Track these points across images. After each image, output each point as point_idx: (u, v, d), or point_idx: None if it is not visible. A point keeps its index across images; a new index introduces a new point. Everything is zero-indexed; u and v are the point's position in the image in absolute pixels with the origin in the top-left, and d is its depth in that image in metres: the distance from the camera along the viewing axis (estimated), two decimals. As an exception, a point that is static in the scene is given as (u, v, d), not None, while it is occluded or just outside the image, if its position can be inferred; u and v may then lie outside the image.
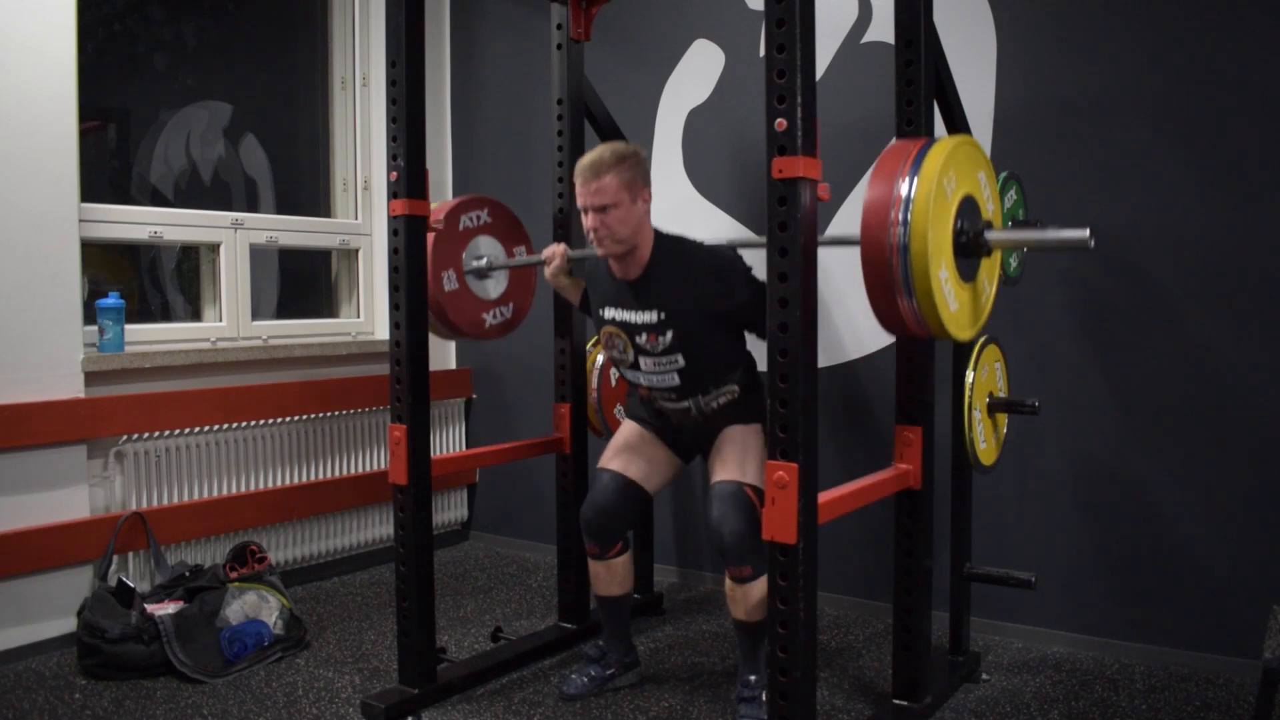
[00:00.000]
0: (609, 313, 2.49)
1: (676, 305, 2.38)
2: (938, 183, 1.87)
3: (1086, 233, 1.92)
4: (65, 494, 2.94)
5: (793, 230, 1.83)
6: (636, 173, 2.37)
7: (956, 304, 1.97)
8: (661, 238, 2.46)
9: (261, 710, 2.53)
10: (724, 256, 2.42)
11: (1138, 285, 2.79)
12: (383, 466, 3.81)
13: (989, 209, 2.10)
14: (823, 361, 3.05)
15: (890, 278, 1.88)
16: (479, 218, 2.93)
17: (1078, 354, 2.87)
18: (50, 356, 2.91)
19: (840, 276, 3.22)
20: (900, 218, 1.85)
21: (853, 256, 3.18)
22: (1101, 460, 2.86)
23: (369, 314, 4.03)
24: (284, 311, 3.87)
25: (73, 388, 2.96)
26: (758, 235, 3.38)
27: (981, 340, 2.53)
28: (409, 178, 2.46)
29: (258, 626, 2.84)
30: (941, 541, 2.70)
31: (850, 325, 3.22)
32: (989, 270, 2.15)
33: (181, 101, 3.73)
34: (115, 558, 3.00)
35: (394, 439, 2.48)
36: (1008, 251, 2.54)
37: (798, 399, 1.85)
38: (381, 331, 4.01)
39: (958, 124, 2.56)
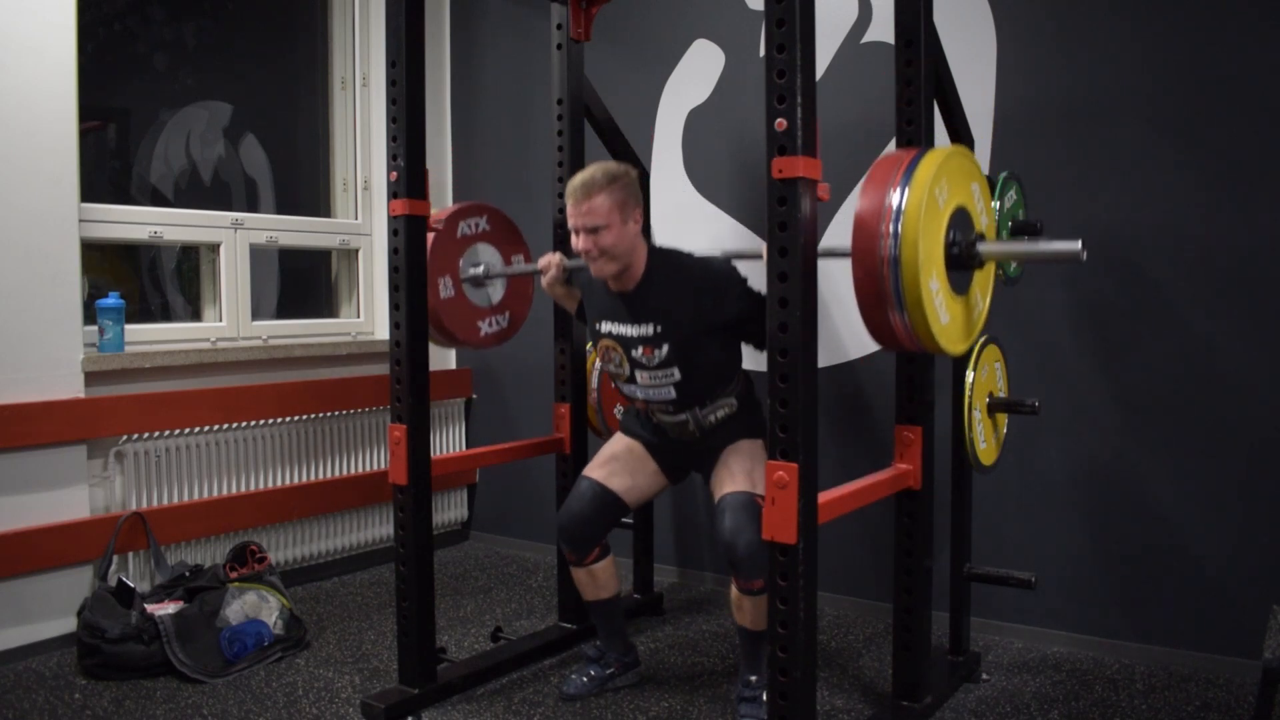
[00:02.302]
0: (605, 326, 2.49)
1: (672, 318, 2.37)
2: (929, 192, 1.86)
3: (1078, 245, 1.91)
4: (65, 494, 2.94)
5: (793, 230, 1.83)
6: (628, 193, 2.36)
7: (948, 316, 1.96)
8: (655, 251, 2.45)
9: (261, 710, 2.53)
10: (718, 268, 2.41)
11: (1138, 285, 2.79)
12: (383, 466, 3.81)
13: (982, 221, 2.09)
14: (823, 361, 3.05)
15: (881, 289, 1.87)
16: (477, 225, 2.92)
17: (1078, 354, 2.87)
18: (50, 356, 2.91)
19: (840, 276, 3.20)
20: (891, 229, 1.84)
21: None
22: (1101, 460, 2.86)
23: (369, 314, 4.03)
24: (284, 311, 3.87)
25: (73, 388, 2.96)
26: (758, 238, 3.38)
27: (981, 340, 2.53)
28: (409, 178, 2.46)
29: (258, 626, 2.84)
30: (941, 541, 2.70)
31: (850, 325, 3.22)
32: (982, 283, 2.13)
33: (181, 101, 3.73)
34: (115, 558, 3.00)
35: (394, 439, 2.48)
36: (1008, 251, 2.54)
37: (798, 399, 1.85)
38: (381, 331, 4.01)
39: (957, 124, 2.56)
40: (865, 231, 1.87)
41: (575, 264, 2.63)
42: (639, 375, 2.46)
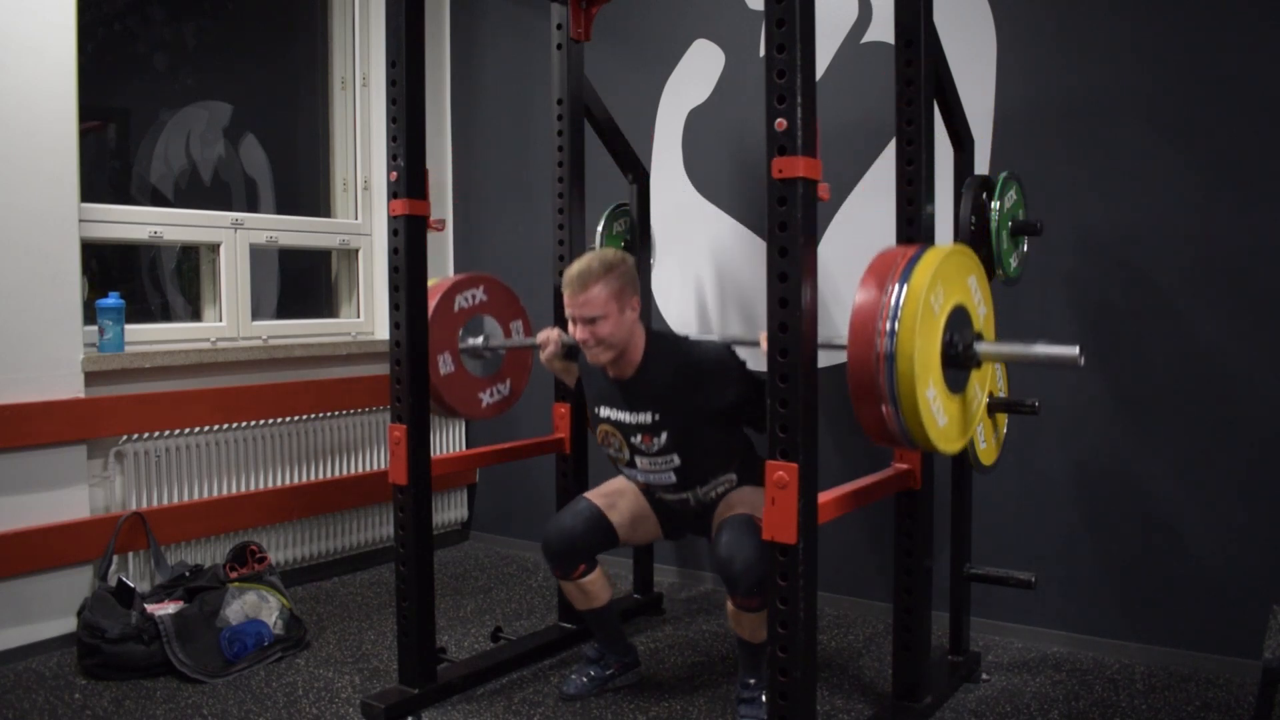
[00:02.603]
0: (604, 411, 2.48)
1: (669, 406, 2.36)
2: (925, 300, 1.85)
3: (1076, 350, 1.91)
4: (65, 494, 2.94)
5: (793, 230, 1.83)
6: (625, 281, 2.36)
7: (945, 419, 1.96)
8: (653, 338, 2.44)
9: (261, 710, 2.53)
10: (715, 354, 2.39)
11: (1138, 285, 2.79)
12: (383, 466, 3.81)
13: (980, 313, 2.08)
14: (823, 361, 3.05)
15: (877, 395, 1.86)
16: (475, 296, 2.92)
17: (1078, 354, 2.87)
18: (50, 356, 2.91)
19: (840, 277, 3.22)
20: (887, 350, 1.83)
21: (853, 257, 3.19)
22: (1101, 460, 2.86)
23: (369, 314, 4.03)
24: (284, 311, 3.87)
25: (73, 388, 2.96)
26: (758, 238, 3.38)
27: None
28: (409, 178, 2.46)
29: (258, 626, 2.84)
30: (941, 541, 2.70)
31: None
32: (980, 378, 2.12)
33: (181, 101, 3.73)
34: (115, 558, 3.00)
35: (394, 439, 2.48)
36: (1007, 253, 2.54)
37: (798, 399, 1.85)
38: (381, 331, 4.01)
39: (957, 124, 2.56)
40: (860, 337, 1.87)
41: (573, 339, 2.64)
42: (639, 460, 2.46)
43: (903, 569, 2.40)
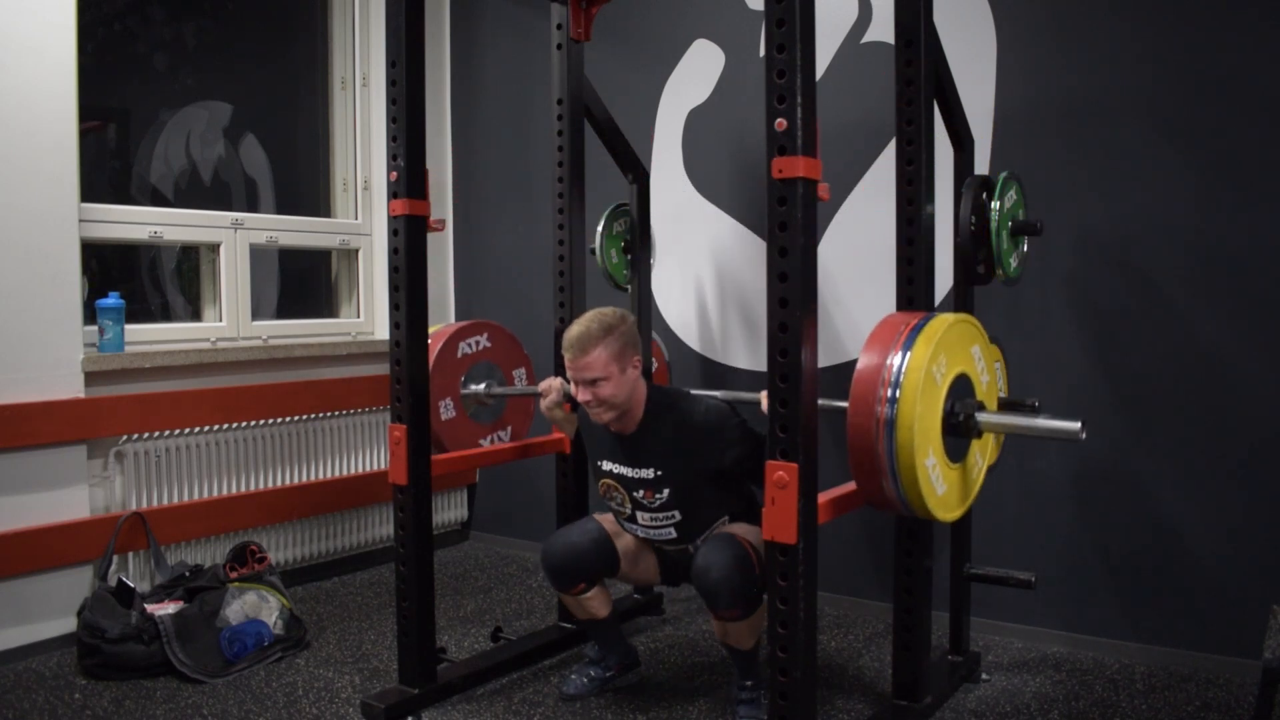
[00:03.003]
0: (606, 465, 2.49)
1: (671, 464, 2.37)
2: (926, 370, 1.86)
3: (1078, 425, 1.92)
4: (65, 494, 2.94)
5: (793, 230, 1.83)
6: (625, 341, 2.36)
7: (944, 487, 1.97)
8: (654, 394, 2.45)
9: (261, 710, 2.52)
10: (715, 414, 2.39)
11: (1138, 285, 2.79)
12: (383, 466, 3.81)
13: (983, 382, 2.09)
14: (823, 361, 3.05)
15: (876, 466, 1.88)
16: (478, 343, 2.97)
17: (1078, 354, 2.87)
18: (50, 356, 2.91)
19: (840, 277, 3.22)
20: (888, 416, 1.85)
21: (853, 257, 3.19)
22: (1101, 460, 2.86)
23: (369, 314, 4.03)
24: (284, 311, 3.87)
25: (73, 388, 2.96)
26: (758, 238, 3.38)
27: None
28: (409, 178, 2.46)
29: (258, 626, 2.84)
30: (941, 541, 2.70)
31: (850, 325, 3.22)
32: (981, 447, 2.12)
33: (181, 101, 3.73)
34: (115, 558, 3.00)
35: (394, 439, 2.48)
36: (1007, 253, 2.54)
37: (798, 399, 1.85)
38: (381, 331, 4.01)
39: (957, 124, 2.56)
40: (861, 407, 1.88)
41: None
42: (640, 516, 2.47)
43: (903, 569, 2.40)
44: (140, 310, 3.48)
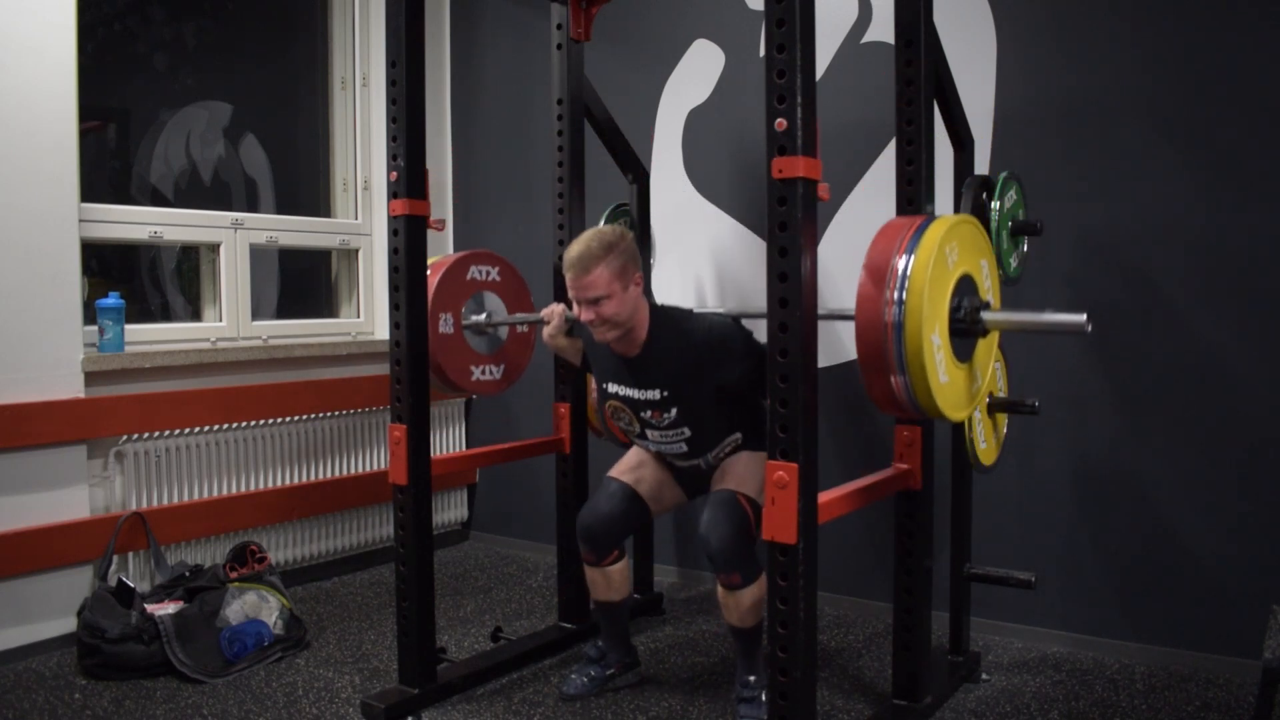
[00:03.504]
0: (612, 388, 2.51)
1: (677, 382, 2.38)
2: (939, 250, 1.87)
3: (1084, 317, 1.93)
4: (65, 494, 2.94)
5: (793, 230, 1.83)
6: (626, 258, 2.36)
7: (948, 378, 1.96)
8: (657, 314, 2.45)
9: (261, 710, 2.53)
10: (720, 331, 2.40)
11: (1138, 285, 2.79)
12: (383, 466, 3.81)
13: (986, 287, 2.09)
14: (823, 361, 3.05)
15: (884, 348, 1.87)
16: (488, 273, 2.96)
17: (1078, 354, 2.87)
18: (50, 356, 2.91)
19: (840, 276, 3.22)
20: (897, 293, 1.85)
21: (853, 257, 3.19)
22: (1101, 460, 2.86)
23: (369, 314, 4.03)
24: (284, 311, 3.87)
25: (73, 388, 2.96)
26: (758, 238, 3.38)
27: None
28: (409, 178, 2.46)
29: (258, 626, 2.84)
30: (941, 541, 2.70)
31: (850, 325, 3.22)
32: (985, 353, 2.13)
33: (181, 101, 3.73)
34: (115, 558, 3.00)
35: (394, 439, 2.48)
36: (1007, 253, 2.54)
37: (798, 399, 1.85)
38: (381, 331, 4.01)
39: (957, 124, 2.56)
40: (872, 279, 1.88)
41: (576, 316, 2.65)
42: (650, 433, 2.50)
43: (903, 569, 2.40)
44: (140, 310, 3.48)
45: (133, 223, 3.27)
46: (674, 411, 2.41)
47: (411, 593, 2.50)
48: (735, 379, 2.40)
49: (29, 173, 2.86)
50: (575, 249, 2.36)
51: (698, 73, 3.52)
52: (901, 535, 2.40)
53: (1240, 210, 2.64)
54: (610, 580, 2.60)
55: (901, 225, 1.96)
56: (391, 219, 2.48)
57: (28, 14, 2.85)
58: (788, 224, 1.84)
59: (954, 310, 1.96)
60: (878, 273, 1.89)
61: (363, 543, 3.79)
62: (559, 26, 2.95)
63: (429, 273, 2.65)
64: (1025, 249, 2.65)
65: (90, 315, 3.09)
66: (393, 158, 2.46)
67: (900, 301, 1.85)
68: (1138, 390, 2.80)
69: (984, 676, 2.69)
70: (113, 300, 3.09)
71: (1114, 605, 2.85)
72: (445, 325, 2.82)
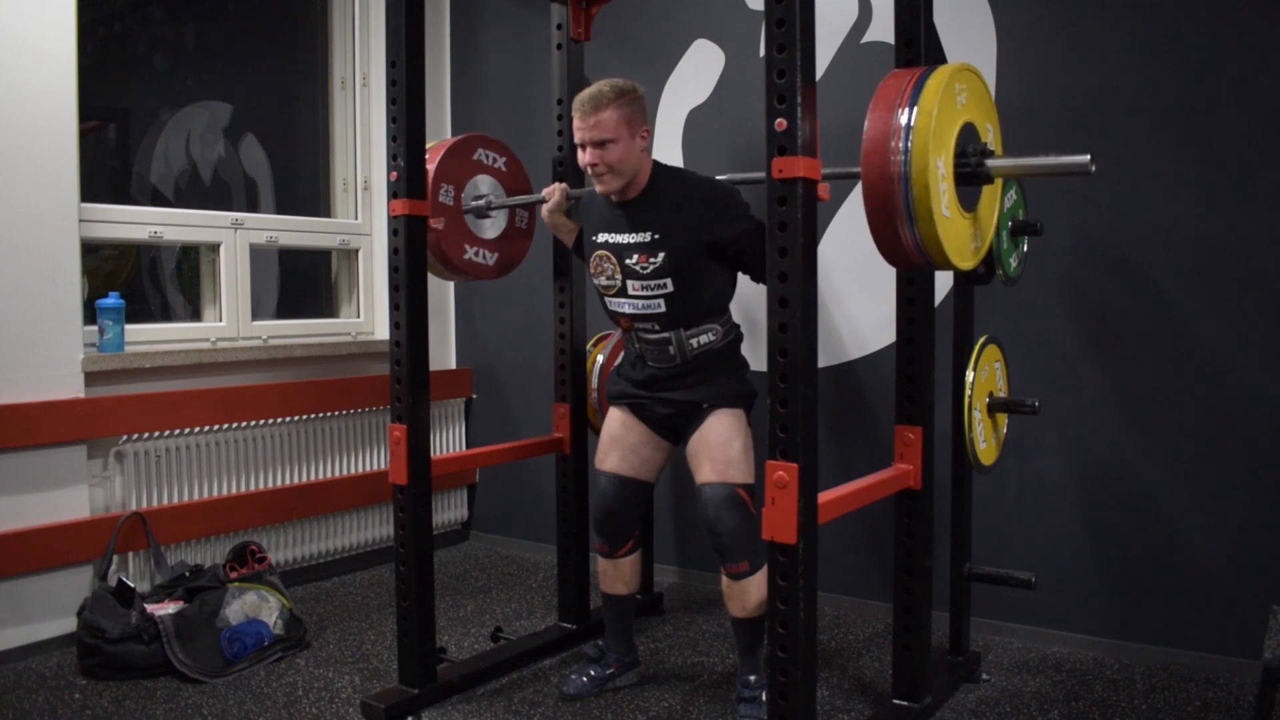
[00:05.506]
0: (601, 237, 2.46)
1: (670, 228, 2.35)
2: (949, 86, 1.86)
3: (1087, 158, 1.93)
4: (65, 494, 2.94)
5: (793, 230, 1.84)
6: (636, 109, 2.36)
7: (953, 216, 1.94)
8: (660, 167, 2.45)
9: (261, 710, 2.53)
10: (723, 188, 2.40)
11: (1138, 285, 2.79)
12: (383, 466, 3.81)
13: (989, 134, 2.09)
14: (823, 361, 3.05)
15: (890, 189, 1.85)
16: (495, 159, 2.95)
17: (1078, 354, 2.87)
18: (50, 356, 2.91)
19: (840, 276, 3.22)
20: (903, 143, 1.83)
21: (853, 257, 3.19)
22: (1101, 460, 2.86)
23: (369, 314, 4.03)
24: (284, 311, 3.87)
25: (73, 388, 2.96)
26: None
27: (982, 340, 2.53)
28: (409, 178, 2.46)
29: (258, 626, 2.84)
30: (941, 541, 2.70)
31: (850, 325, 3.22)
32: (990, 202, 2.12)
33: (181, 101, 3.73)
34: (115, 558, 3.00)
35: (394, 439, 2.48)
36: (1007, 253, 2.54)
37: (798, 399, 1.85)
38: (381, 331, 4.01)
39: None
40: (880, 112, 1.87)
41: (579, 192, 2.68)
42: (630, 285, 2.41)
43: (903, 569, 2.40)
44: (140, 310, 3.48)
45: (133, 223, 3.27)
46: (661, 257, 2.35)
47: (411, 593, 2.50)
48: (729, 238, 2.34)
49: (29, 173, 2.86)
50: (587, 91, 2.36)
51: (698, 73, 3.52)
52: (901, 535, 2.40)
53: (1240, 210, 2.64)
54: (621, 572, 2.61)
55: (907, 73, 1.95)
56: (391, 219, 2.48)
57: (28, 14, 2.85)
58: (788, 224, 1.84)
59: (959, 155, 1.94)
60: (887, 105, 1.87)
61: (363, 543, 3.79)
62: (559, 26, 2.95)
63: (435, 144, 2.66)
64: (1025, 249, 2.65)
65: (90, 315, 3.09)
66: (393, 158, 2.47)
67: (909, 127, 1.83)
68: (1138, 390, 2.80)
69: (984, 676, 2.69)
70: (113, 300, 3.09)
71: (1114, 605, 2.85)
72: (445, 196, 2.80)
